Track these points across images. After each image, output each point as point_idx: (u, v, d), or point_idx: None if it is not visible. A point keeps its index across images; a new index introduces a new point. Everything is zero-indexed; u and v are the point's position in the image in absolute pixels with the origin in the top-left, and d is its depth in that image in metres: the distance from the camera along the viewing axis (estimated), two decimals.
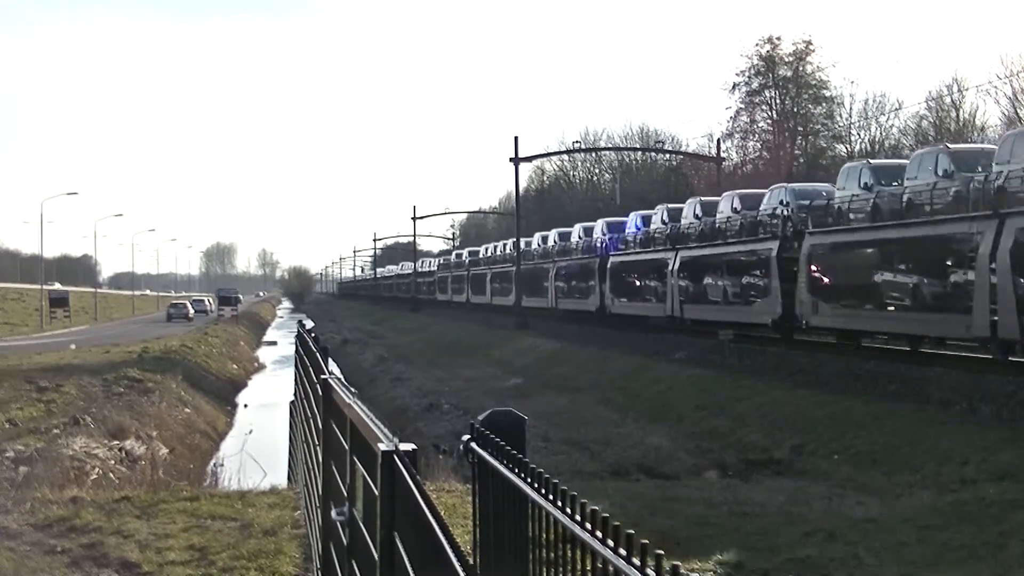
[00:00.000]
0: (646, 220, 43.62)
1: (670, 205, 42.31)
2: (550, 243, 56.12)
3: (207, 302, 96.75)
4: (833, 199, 28.59)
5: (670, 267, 36.85)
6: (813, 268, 27.52)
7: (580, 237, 50.94)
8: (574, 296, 49.27)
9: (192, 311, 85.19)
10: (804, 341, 29.20)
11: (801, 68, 68.18)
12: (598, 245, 46.88)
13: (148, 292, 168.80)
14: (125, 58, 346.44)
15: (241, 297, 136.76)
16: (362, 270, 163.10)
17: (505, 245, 67.01)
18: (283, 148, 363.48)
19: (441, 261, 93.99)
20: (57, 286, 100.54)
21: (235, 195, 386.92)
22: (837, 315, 26.66)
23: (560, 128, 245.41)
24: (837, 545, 11.28)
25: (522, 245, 58.05)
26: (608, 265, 43.56)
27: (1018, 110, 54.95)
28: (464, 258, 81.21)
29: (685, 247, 36.96)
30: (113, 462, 21.02)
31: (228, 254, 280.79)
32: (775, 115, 69.67)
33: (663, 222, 41.04)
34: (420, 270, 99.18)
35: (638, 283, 41.52)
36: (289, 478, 14.37)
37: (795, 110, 68.92)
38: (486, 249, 75.61)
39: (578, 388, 31.02)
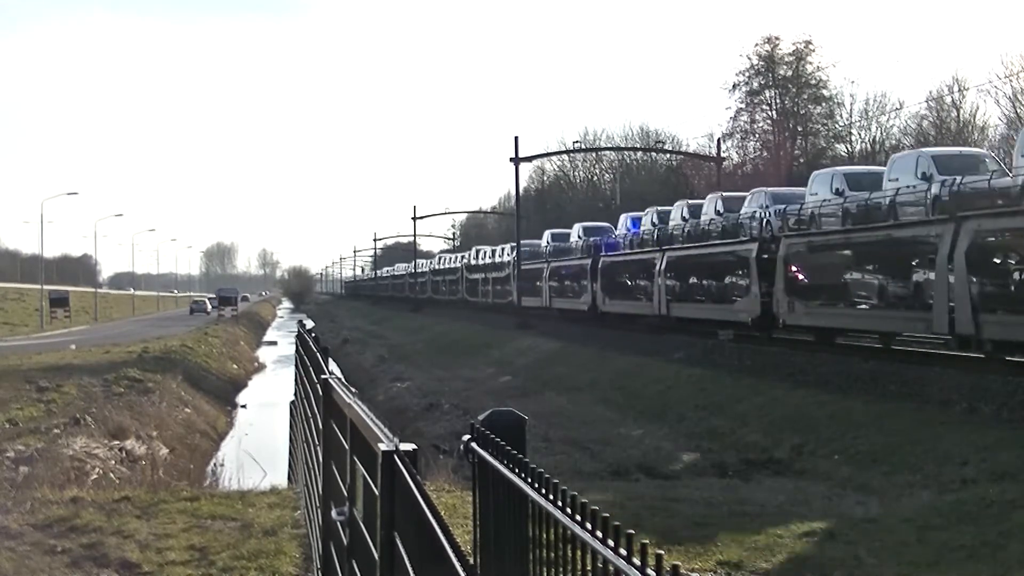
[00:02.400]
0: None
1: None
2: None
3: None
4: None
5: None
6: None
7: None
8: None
9: (210, 307, 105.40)
10: (805, 341, 29.23)
11: (801, 68, 68.19)
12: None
13: (176, 292, 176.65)
14: (125, 58, 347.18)
15: (248, 296, 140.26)
16: (362, 270, 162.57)
17: (676, 211, 40.69)
18: (283, 148, 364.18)
19: (508, 248, 63.07)
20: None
21: (235, 195, 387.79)
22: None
23: (560, 128, 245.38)
24: (837, 545, 11.27)
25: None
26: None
27: (1018, 110, 54.97)
28: (546, 245, 55.36)
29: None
30: (113, 462, 21.01)
31: (228, 254, 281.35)
32: (775, 115, 69.67)
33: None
34: (470, 263, 76.23)
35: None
36: (289, 478, 14.38)
37: (795, 110, 68.90)
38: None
39: (578, 388, 31.01)
